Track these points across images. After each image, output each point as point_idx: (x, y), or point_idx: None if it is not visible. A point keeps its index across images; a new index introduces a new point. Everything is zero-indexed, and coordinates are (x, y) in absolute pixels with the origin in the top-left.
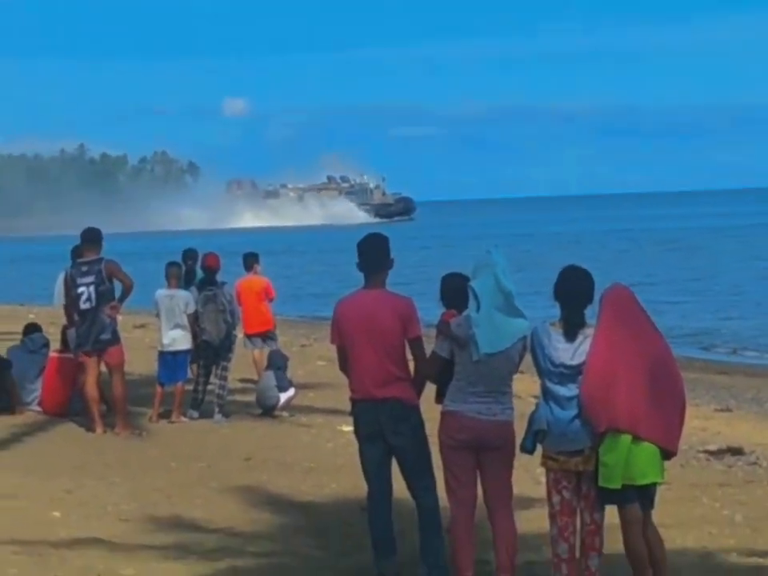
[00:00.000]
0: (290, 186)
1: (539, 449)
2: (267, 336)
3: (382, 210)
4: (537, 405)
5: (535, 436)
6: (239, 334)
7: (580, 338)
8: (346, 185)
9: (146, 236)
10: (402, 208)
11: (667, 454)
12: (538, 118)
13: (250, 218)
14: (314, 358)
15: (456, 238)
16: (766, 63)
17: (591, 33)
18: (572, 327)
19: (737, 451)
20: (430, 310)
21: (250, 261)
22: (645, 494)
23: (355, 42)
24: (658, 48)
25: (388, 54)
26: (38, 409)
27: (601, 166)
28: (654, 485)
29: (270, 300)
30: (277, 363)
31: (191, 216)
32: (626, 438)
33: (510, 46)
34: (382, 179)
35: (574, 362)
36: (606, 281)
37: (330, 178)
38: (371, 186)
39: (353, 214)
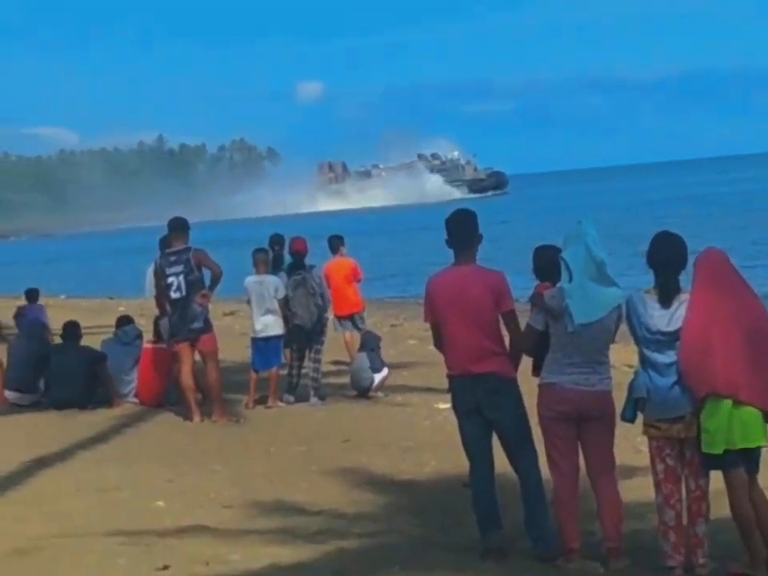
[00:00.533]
0: (381, 165)
1: (640, 417)
2: (357, 317)
3: (475, 186)
4: (636, 373)
5: (635, 404)
6: (329, 316)
7: (675, 304)
8: (437, 162)
9: (229, 224)
10: (495, 182)
11: None
12: (610, 88)
13: (338, 201)
14: (405, 338)
15: (554, 209)
16: None
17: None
18: (667, 293)
19: None
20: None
21: (335, 243)
22: (749, 458)
23: (417, 19)
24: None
25: (452, 29)
26: (135, 400)
27: (684, 131)
28: (758, 448)
29: (358, 281)
30: (370, 344)
31: (278, 201)
32: (727, 403)
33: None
34: (472, 155)
35: (671, 329)
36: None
37: (420, 156)
38: (462, 162)
39: (445, 191)
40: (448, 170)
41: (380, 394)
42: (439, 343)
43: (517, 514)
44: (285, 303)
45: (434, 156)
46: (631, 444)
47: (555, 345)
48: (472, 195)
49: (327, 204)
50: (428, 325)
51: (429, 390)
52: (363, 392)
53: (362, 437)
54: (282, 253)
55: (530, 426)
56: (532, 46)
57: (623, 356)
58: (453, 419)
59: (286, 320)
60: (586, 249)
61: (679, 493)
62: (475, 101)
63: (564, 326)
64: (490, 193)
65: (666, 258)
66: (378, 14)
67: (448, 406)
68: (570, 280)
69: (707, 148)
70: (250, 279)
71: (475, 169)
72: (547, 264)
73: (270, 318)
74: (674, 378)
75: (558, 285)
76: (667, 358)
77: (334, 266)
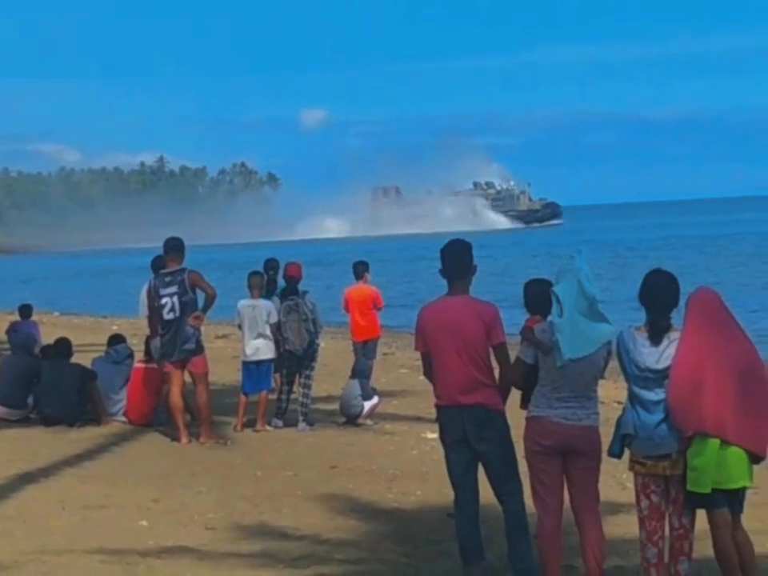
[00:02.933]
0: (434, 192)
1: (627, 454)
2: (371, 344)
3: (529, 216)
4: (624, 409)
5: (622, 440)
6: (322, 343)
7: (665, 341)
8: (492, 191)
9: (237, 247)
10: (550, 213)
11: (755, 457)
12: (625, 124)
13: (390, 226)
14: (397, 366)
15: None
16: None
17: (670, 39)
18: (657, 331)
19: None
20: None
21: (360, 269)
22: (734, 498)
23: (429, 53)
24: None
25: (460, 65)
26: (124, 419)
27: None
28: (744, 488)
29: (378, 309)
30: (362, 372)
31: (327, 224)
32: (714, 442)
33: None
34: (527, 185)
35: (660, 366)
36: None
37: (476, 184)
38: (517, 191)
39: (499, 221)
40: (503, 200)
41: (369, 421)
42: (429, 372)
43: (501, 546)
44: (277, 328)
45: (489, 185)
46: (617, 480)
47: (544, 378)
48: (525, 225)
49: (379, 229)
50: (420, 354)
51: (418, 419)
52: (352, 419)
53: (349, 464)
54: (277, 277)
55: (516, 458)
56: (537, 83)
57: (612, 392)
58: (440, 449)
59: (278, 345)
60: (579, 284)
61: (662, 530)
62: (482, 134)
63: (553, 360)
64: (544, 223)
65: (657, 296)
66: (382, 45)
67: (436, 435)
68: (561, 315)
69: (732, 188)
70: (243, 303)
71: (530, 199)
72: (538, 298)
73: (261, 342)
74: (661, 416)
75: (549, 319)
76: (655, 395)
77: (355, 292)
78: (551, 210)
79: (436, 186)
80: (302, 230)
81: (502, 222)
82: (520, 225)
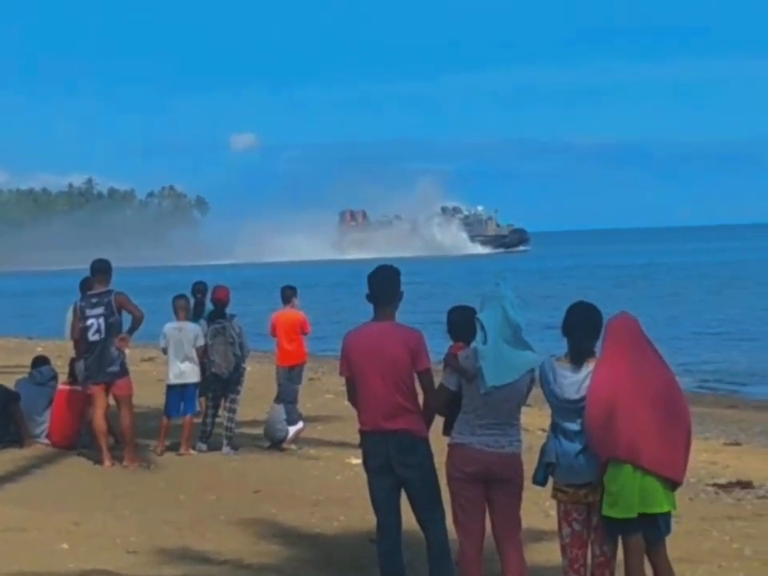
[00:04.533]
0: (403, 216)
1: (550, 481)
2: (297, 370)
3: (497, 242)
4: (548, 437)
5: (546, 468)
6: (248, 367)
7: (584, 372)
8: (459, 216)
9: (165, 270)
10: (517, 239)
11: (672, 484)
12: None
13: (358, 250)
14: (322, 392)
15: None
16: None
17: (599, 68)
18: (577, 361)
19: (746, 485)
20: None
21: (288, 294)
22: (652, 524)
23: (357, 78)
24: (671, 82)
25: (388, 89)
26: (46, 441)
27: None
28: (663, 514)
29: (305, 334)
30: (287, 397)
31: (294, 247)
32: (628, 468)
33: (515, 82)
34: (494, 211)
35: (578, 397)
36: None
37: (443, 209)
38: (485, 217)
39: (468, 246)
40: (471, 225)
41: (293, 446)
42: (353, 398)
43: (422, 571)
44: (203, 351)
45: (456, 209)
46: (540, 508)
47: (467, 405)
48: (494, 250)
49: (346, 253)
50: (345, 379)
51: (342, 444)
52: (277, 443)
53: (272, 488)
54: (204, 300)
55: (439, 485)
56: (463, 110)
57: (537, 419)
58: (364, 475)
59: (204, 368)
60: (503, 311)
61: (584, 558)
62: (413, 160)
63: (477, 387)
64: (511, 249)
65: (578, 327)
66: (310, 69)
67: (360, 461)
68: (485, 342)
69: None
70: (170, 325)
71: (497, 225)
72: (461, 324)
73: (187, 366)
74: (581, 445)
75: (472, 346)
76: (575, 425)
77: (281, 317)
78: (518, 236)
79: (402, 212)
80: (267, 253)
81: (477, 247)
82: (488, 250)
